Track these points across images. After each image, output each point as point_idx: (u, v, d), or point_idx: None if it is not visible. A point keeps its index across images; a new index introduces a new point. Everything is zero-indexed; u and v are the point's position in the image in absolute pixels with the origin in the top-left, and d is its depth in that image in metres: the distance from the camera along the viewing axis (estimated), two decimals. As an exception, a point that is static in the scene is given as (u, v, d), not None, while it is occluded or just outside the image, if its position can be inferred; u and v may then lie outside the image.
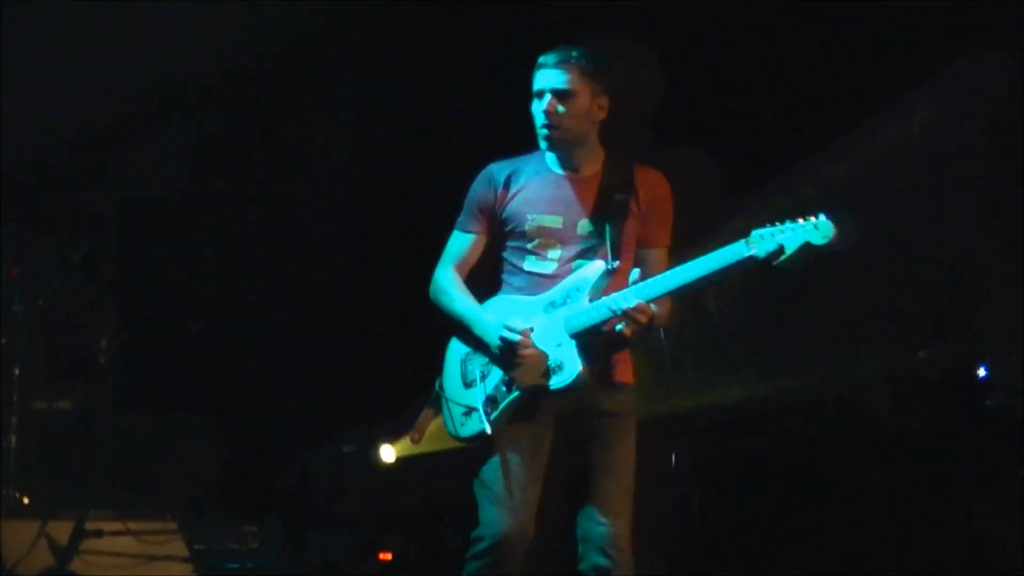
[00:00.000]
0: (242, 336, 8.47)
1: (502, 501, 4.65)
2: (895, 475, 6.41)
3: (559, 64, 4.77)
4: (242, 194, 8.59)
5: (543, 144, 4.81)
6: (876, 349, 6.68)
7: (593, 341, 4.66)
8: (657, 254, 4.82)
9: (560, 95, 4.76)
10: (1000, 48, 6.33)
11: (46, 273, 7.47)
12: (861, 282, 6.70)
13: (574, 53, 4.78)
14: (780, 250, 4.41)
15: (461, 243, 4.94)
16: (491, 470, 4.70)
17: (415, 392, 5.07)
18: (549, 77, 4.78)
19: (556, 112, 4.76)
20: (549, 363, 4.66)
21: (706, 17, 6.96)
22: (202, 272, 8.51)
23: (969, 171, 6.43)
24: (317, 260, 8.40)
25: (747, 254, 4.44)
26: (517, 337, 4.66)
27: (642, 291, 4.59)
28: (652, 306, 4.58)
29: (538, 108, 4.79)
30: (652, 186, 4.83)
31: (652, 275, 4.64)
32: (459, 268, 4.93)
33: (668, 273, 4.61)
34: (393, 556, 7.14)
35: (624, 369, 4.78)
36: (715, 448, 6.73)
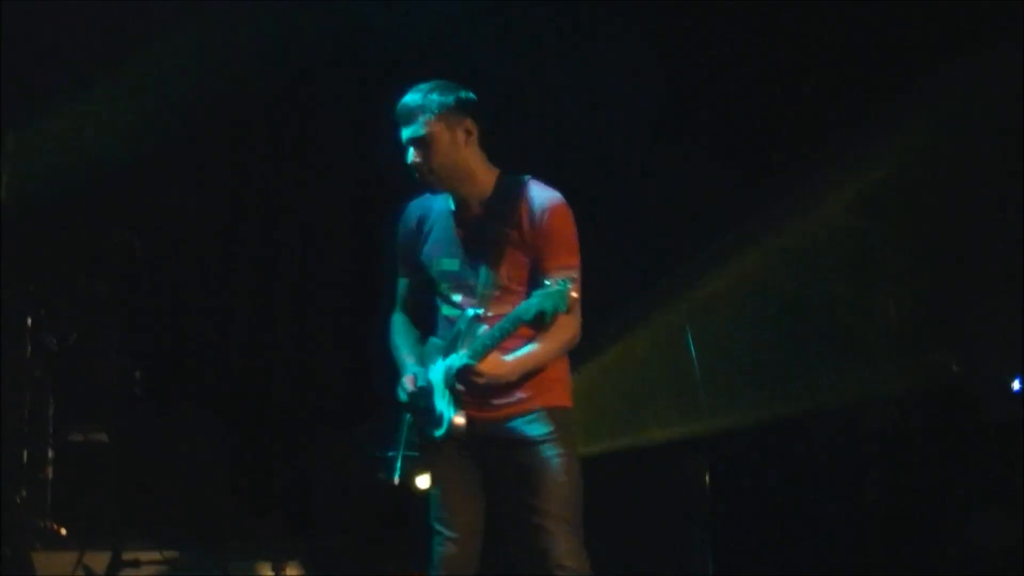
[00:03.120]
0: (255, 342, 8.56)
1: (441, 534, 4.84)
2: (903, 486, 6.42)
3: (409, 115, 4.76)
4: (246, 195, 8.69)
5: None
6: (896, 362, 6.69)
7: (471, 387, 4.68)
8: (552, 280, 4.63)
9: (419, 143, 4.74)
10: (1000, 48, 6.35)
11: (76, 308, 7.54)
12: (877, 296, 6.70)
13: (418, 97, 4.76)
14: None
15: (399, 286, 5.05)
16: (433, 508, 4.88)
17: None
18: (406, 131, 4.78)
19: (423, 161, 4.75)
20: (434, 412, 4.76)
21: (707, 15, 7.00)
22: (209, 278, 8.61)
23: (973, 176, 6.45)
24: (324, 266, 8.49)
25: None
26: (403, 395, 4.84)
27: (473, 353, 4.63)
28: (487, 363, 4.61)
29: (407, 162, 4.80)
30: (533, 209, 4.72)
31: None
32: (405, 310, 5.04)
33: (493, 328, 4.62)
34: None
35: (544, 395, 4.78)
36: (724, 458, 6.77)
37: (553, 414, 4.78)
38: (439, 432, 4.75)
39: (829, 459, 6.58)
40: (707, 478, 6.59)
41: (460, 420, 4.72)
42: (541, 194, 4.76)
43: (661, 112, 7.05)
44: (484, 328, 4.67)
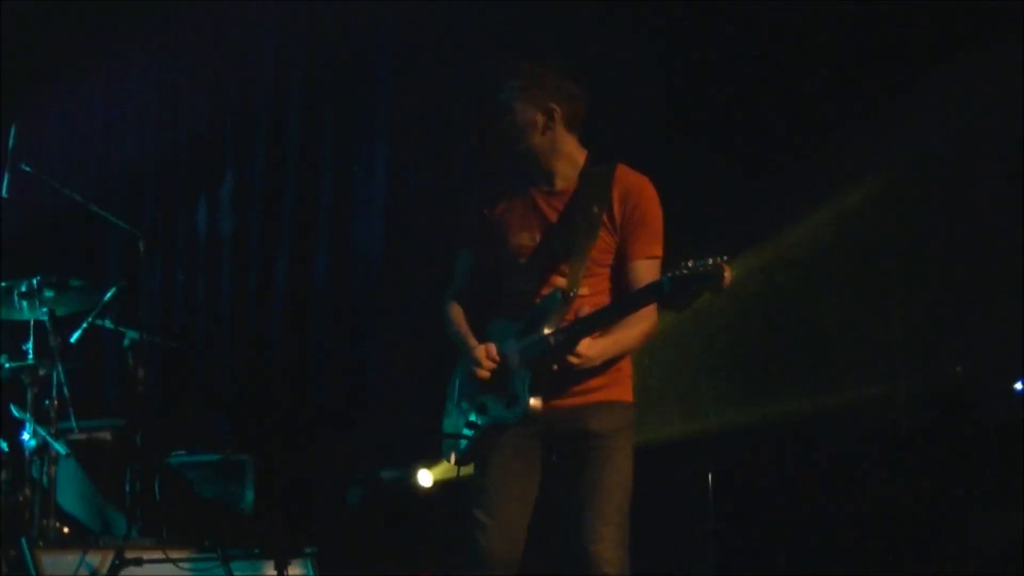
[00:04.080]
0: (257, 341, 8.57)
1: (486, 524, 4.55)
2: (903, 486, 6.43)
3: (501, 80, 4.68)
4: (248, 195, 8.68)
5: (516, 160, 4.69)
6: (905, 365, 6.67)
7: (561, 367, 4.45)
8: (639, 267, 4.55)
9: (505, 110, 4.65)
10: (1000, 48, 6.35)
11: (80, 310, 7.55)
12: (887, 299, 6.70)
13: (509, 66, 4.69)
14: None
15: (462, 262, 4.84)
16: (476, 494, 4.61)
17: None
18: (499, 95, 4.69)
19: (506, 127, 4.65)
20: (509, 393, 4.51)
21: (708, 14, 7.00)
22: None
23: (974, 177, 6.46)
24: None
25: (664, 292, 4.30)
26: (477, 370, 4.57)
27: (572, 331, 4.43)
28: (583, 344, 4.40)
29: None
30: (627, 193, 4.59)
31: (634, 289, 4.47)
32: (462, 296, 4.82)
33: (595, 312, 4.44)
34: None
35: (616, 387, 4.62)
36: (727, 459, 6.79)
37: (622, 409, 4.64)
38: (514, 415, 4.50)
39: (830, 460, 6.58)
40: (710, 479, 6.60)
41: (538, 403, 4.46)
42: (633, 177, 4.65)
43: (659, 113, 7.06)
44: (575, 308, 4.48)
